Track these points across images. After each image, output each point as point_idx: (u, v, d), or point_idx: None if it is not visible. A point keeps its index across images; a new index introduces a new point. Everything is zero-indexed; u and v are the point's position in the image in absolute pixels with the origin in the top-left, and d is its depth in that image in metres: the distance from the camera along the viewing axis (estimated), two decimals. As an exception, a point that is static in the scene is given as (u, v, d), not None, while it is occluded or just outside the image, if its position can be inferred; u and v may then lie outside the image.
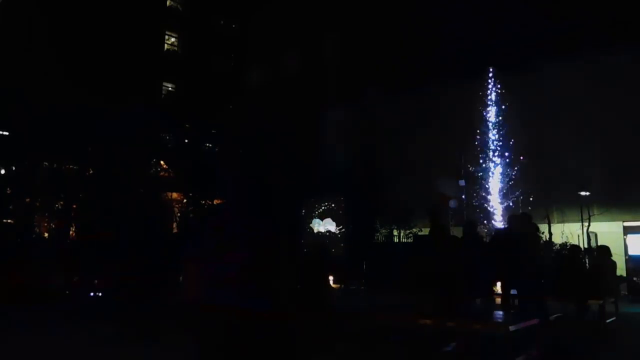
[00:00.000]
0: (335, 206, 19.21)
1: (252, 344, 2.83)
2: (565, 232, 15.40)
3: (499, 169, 18.02)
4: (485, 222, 17.57)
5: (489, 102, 18.58)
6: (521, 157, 17.67)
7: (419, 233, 15.80)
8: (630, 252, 16.69)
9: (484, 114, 18.55)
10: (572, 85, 17.85)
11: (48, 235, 16.02)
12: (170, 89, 25.43)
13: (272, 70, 23.61)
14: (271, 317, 2.90)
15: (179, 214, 18.42)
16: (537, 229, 7.76)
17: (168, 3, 26.14)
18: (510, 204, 17.62)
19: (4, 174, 16.69)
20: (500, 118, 18.33)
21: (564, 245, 13.56)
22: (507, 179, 17.85)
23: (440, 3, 21.19)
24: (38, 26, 18.02)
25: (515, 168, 17.74)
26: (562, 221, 17.06)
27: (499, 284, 10.23)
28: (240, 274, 2.87)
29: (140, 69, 21.49)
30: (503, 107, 18.38)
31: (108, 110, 16.54)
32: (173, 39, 26.12)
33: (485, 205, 17.96)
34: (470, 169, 18.41)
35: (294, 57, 23.46)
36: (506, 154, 18.00)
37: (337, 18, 24.56)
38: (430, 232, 6.81)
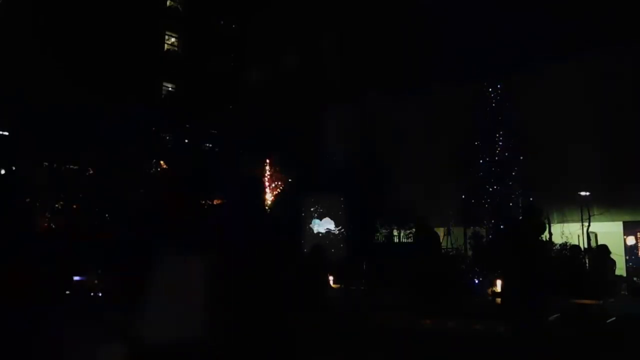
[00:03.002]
0: (334, 206, 19.21)
1: (252, 343, 2.83)
2: (565, 232, 15.39)
3: (499, 169, 18.01)
4: (485, 221, 17.56)
5: (488, 102, 18.57)
6: (521, 157, 17.66)
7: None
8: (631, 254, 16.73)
9: (484, 114, 18.53)
10: (572, 85, 17.86)
11: (48, 235, 16.01)
12: (170, 89, 25.43)
13: (272, 70, 23.62)
14: (271, 317, 2.90)
15: (179, 214, 18.39)
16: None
17: (168, 3, 26.14)
18: (510, 204, 17.61)
19: (4, 174, 16.69)
20: (500, 118, 18.31)
21: (564, 245, 13.56)
22: (507, 179, 17.83)
23: (441, 3, 21.19)
24: (38, 26, 18.02)
25: (515, 168, 17.73)
26: (562, 221, 17.06)
27: (498, 283, 10.25)
28: (241, 274, 2.88)
29: (140, 68, 21.50)
30: (503, 107, 18.37)
31: (108, 110, 16.55)
32: (173, 39, 26.12)
33: (486, 205, 17.95)
34: (470, 169, 18.40)
35: (293, 57, 23.47)
36: (506, 154, 17.98)
37: (337, 18, 24.57)
38: (415, 234, 6.87)
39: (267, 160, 20.93)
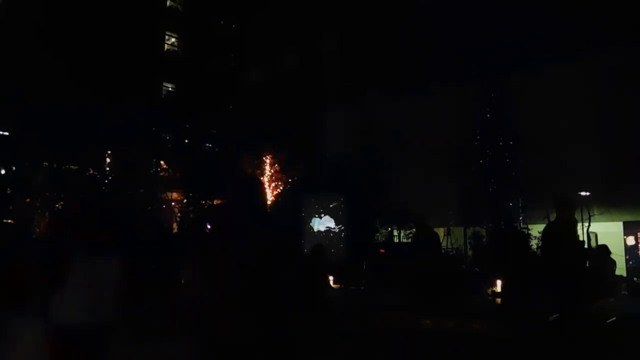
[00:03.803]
0: (334, 205, 19.21)
1: (253, 344, 2.83)
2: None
3: (499, 169, 18.02)
4: (485, 221, 17.57)
5: (488, 102, 18.58)
6: (521, 157, 17.66)
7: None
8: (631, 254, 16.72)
9: (484, 114, 18.55)
10: (572, 85, 17.86)
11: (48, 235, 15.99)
12: (170, 89, 25.43)
13: (272, 70, 23.62)
14: (271, 316, 2.90)
15: (179, 214, 18.44)
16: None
17: (168, 3, 26.13)
18: (510, 203, 17.63)
19: (4, 174, 16.70)
20: (500, 118, 18.33)
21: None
22: (507, 179, 17.84)
23: (441, 3, 21.19)
24: (39, 26, 18.02)
25: (515, 168, 17.73)
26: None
27: (499, 283, 10.26)
28: (240, 274, 2.88)
29: (140, 69, 21.49)
30: (503, 107, 18.38)
31: (108, 110, 16.55)
32: (173, 39, 26.12)
33: (486, 205, 17.95)
34: (470, 169, 18.41)
35: (293, 57, 23.47)
36: (506, 154, 17.99)
37: (336, 18, 24.57)
38: (414, 234, 6.83)
39: (267, 160, 20.94)
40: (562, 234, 5.79)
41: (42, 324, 3.16)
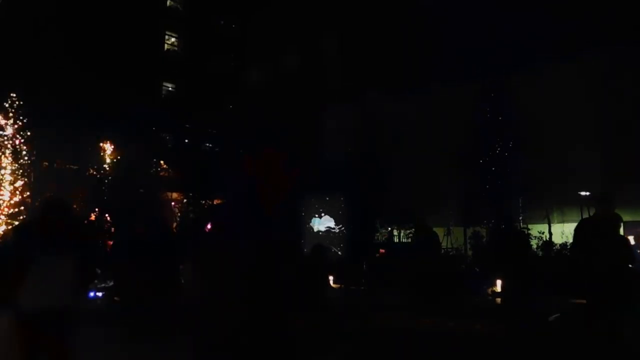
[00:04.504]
0: (334, 205, 19.21)
1: (252, 344, 2.84)
2: (566, 232, 15.39)
3: (499, 169, 18.01)
4: (485, 221, 17.57)
5: (488, 102, 18.57)
6: (521, 157, 17.65)
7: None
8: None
9: (484, 113, 18.53)
10: (572, 85, 17.87)
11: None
12: (170, 88, 25.44)
13: (272, 70, 23.63)
14: (271, 316, 2.91)
15: (179, 214, 18.44)
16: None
17: (168, 3, 26.14)
18: (510, 203, 17.61)
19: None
20: (500, 118, 18.32)
21: (564, 245, 13.56)
22: (507, 179, 17.84)
23: (441, 3, 21.20)
24: (39, 26, 18.02)
25: (515, 168, 17.73)
26: (562, 221, 17.05)
27: (499, 283, 10.25)
28: (240, 273, 2.89)
29: (140, 68, 21.49)
30: (503, 107, 18.38)
31: (108, 110, 16.56)
32: (173, 39, 26.12)
33: (486, 205, 17.95)
34: (470, 168, 18.40)
35: (293, 56, 23.48)
36: (506, 154, 17.99)
37: (337, 18, 24.59)
38: (414, 234, 6.82)
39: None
40: (594, 230, 5.69)
41: (12, 312, 3.69)
